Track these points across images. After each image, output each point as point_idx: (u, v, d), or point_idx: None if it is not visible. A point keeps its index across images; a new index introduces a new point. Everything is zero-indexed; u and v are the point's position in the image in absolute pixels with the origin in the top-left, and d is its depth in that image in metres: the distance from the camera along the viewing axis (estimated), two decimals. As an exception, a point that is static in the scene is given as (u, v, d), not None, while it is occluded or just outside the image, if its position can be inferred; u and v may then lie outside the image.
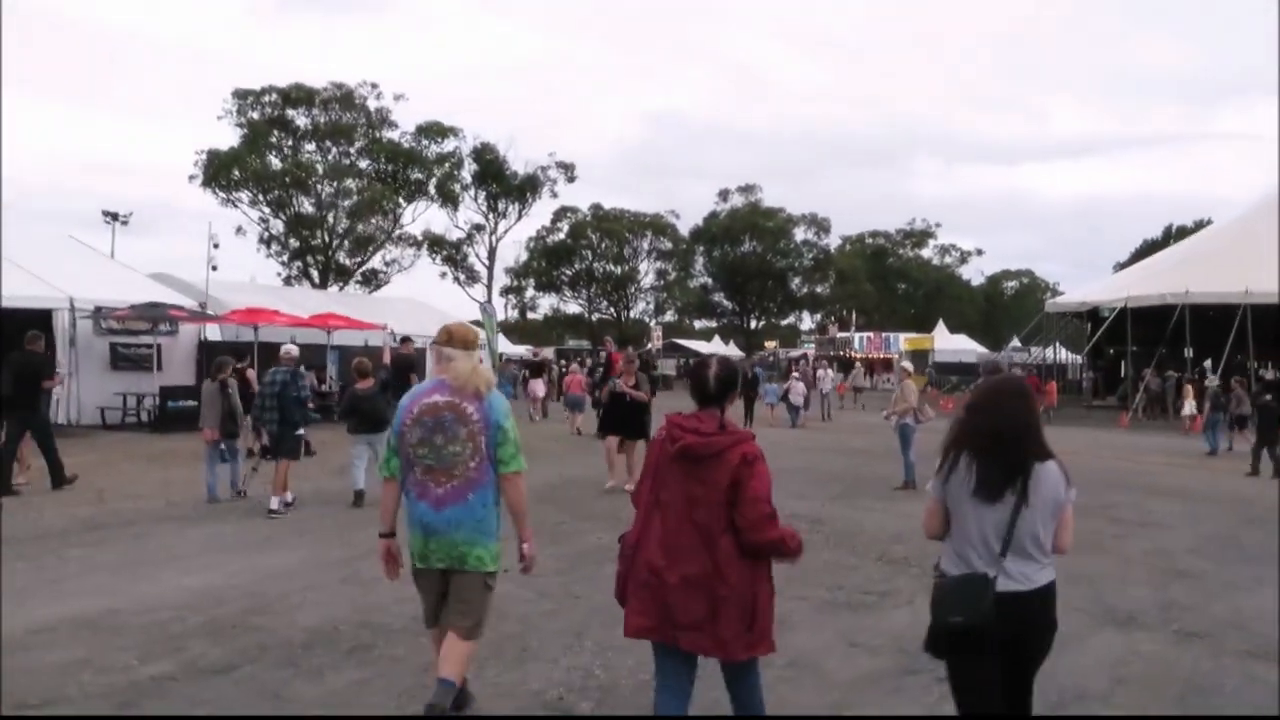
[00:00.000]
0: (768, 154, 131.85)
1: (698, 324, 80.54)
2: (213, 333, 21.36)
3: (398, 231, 50.02)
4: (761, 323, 72.53)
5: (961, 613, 3.08)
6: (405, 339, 16.55)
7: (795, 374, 25.96)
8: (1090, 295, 36.22)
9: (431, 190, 50.30)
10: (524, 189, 54.33)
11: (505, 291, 59.57)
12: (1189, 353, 29.46)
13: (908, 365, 12.87)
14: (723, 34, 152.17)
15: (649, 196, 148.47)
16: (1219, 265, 29.98)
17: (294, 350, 10.75)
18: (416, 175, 49.19)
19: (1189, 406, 24.96)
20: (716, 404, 3.48)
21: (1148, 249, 57.86)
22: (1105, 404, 33.25)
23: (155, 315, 18.78)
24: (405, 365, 14.83)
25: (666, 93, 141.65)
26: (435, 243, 53.87)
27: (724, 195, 66.58)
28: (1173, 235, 59.82)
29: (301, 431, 10.32)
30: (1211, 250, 33.12)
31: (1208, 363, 29.73)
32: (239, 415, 10.70)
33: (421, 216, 51.88)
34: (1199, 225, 54.07)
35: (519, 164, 54.33)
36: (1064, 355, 43.28)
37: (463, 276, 55.79)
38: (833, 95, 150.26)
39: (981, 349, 54.03)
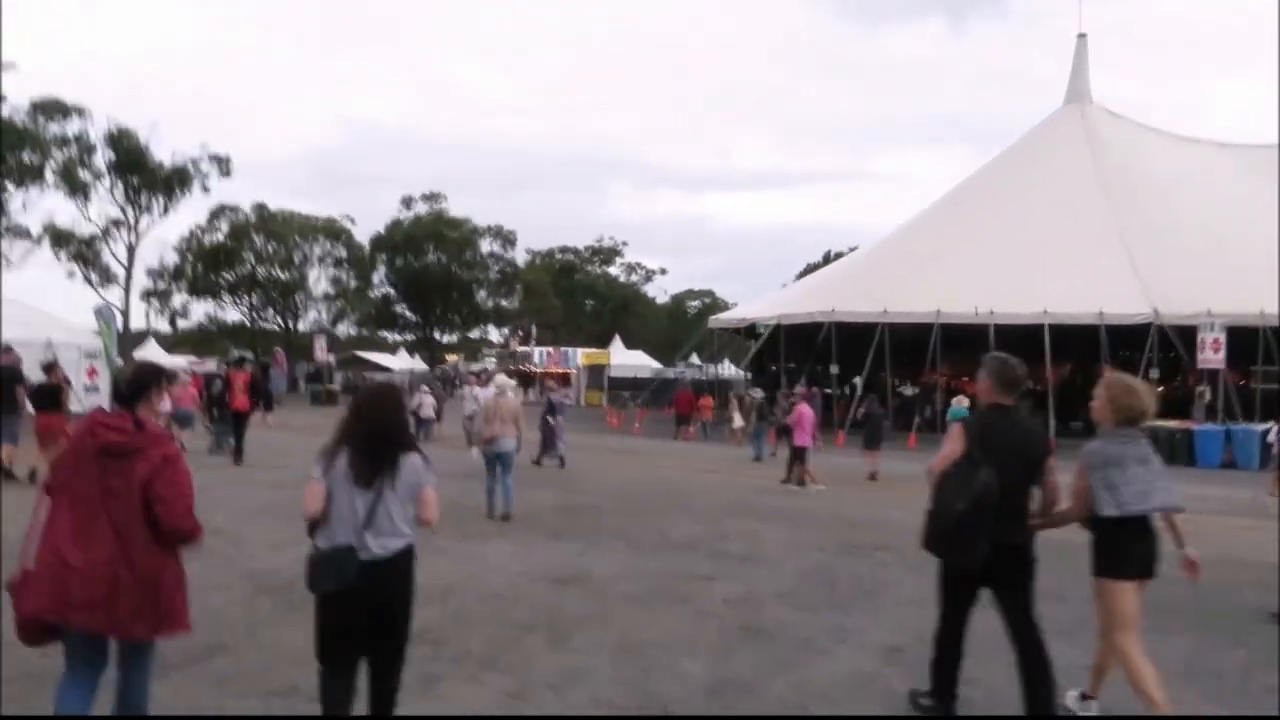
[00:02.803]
0: (463, 167, 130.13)
1: (388, 336, 76.46)
2: None
3: (4, 222, 42.37)
4: (448, 336, 69.98)
5: (332, 580, 3.60)
6: (7, 348, 14.02)
7: (424, 388, 23.84)
8: (749, 313, 37.30)
9: (49, 176, 43.13)
10: (170, 182, 48.08)
11: (148, 295, 52.66)
12: (835, 369, 30.76)
13: (502, 380, 11.20)
14: (428, 47, 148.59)
15: (336, 202, 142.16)
16: (861, 287, 31.60)
17: None
18: (29, 158, 41.88)
19: (737, 419, 26.10)
20: (130, 406, 3.74)
21: (808, 271, 61.82)
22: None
23: None
24: (4, 376, 12.64)
25: (364, 99, 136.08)
26: (60, 237, 46.45)
27: (408, 203, 63.54)
28: (830, 259, 64.42)
29: None
30: (856, 273, 35.11)
31: (858, 379, 31.08)
32: None
33: (40, 206, 44.43)
34: (851, 251, 58.41)
35: (165, 154, 48.09)
36: (733, 371, 44.54)
37: (96, 277, 48.49)
38: (531, 114, 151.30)
39: (656, 364, 54.91)
